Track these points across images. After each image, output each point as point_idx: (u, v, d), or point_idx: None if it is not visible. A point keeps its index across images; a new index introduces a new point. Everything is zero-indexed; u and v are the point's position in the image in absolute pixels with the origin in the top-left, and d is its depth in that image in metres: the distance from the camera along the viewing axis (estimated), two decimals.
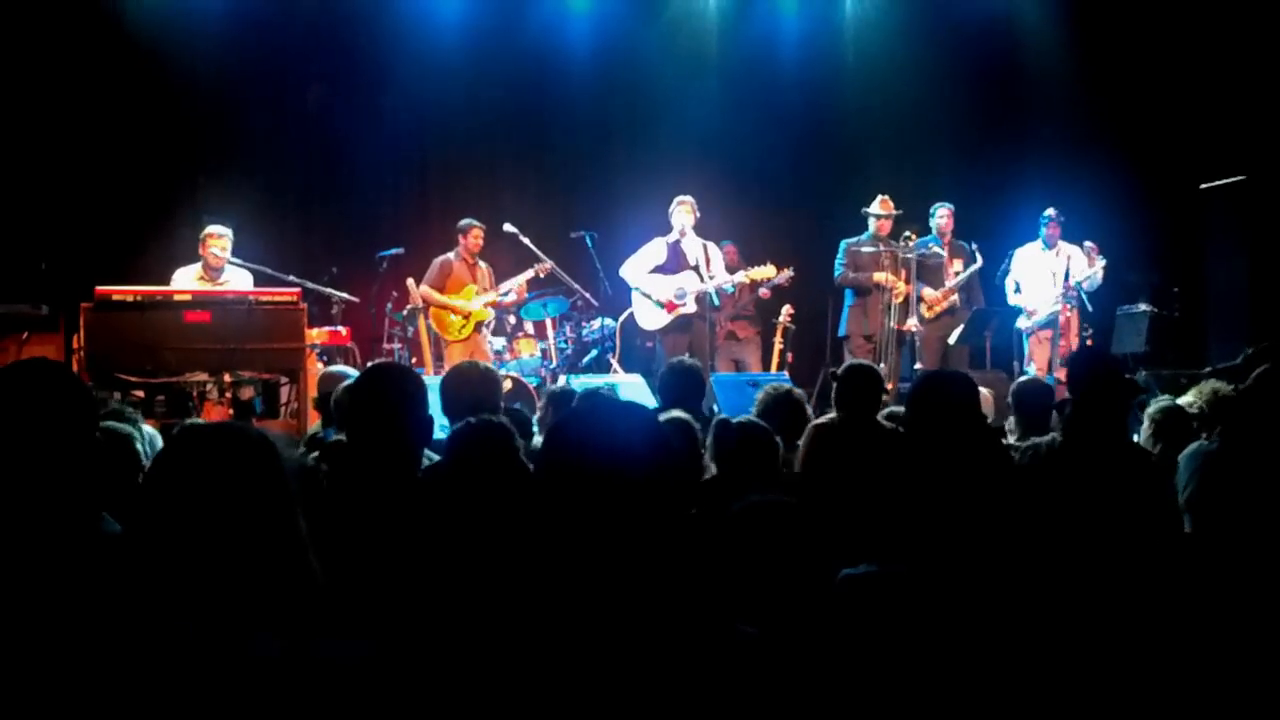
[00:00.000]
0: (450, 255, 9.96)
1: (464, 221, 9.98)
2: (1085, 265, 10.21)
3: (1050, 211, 10.34)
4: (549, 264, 9.88)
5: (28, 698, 1.91)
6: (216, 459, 1.95)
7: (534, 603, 1.84)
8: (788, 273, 10.08)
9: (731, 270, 9.94)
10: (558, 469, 1.85)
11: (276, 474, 1.98)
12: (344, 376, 6.03)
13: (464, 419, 3.57)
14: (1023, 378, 6.96)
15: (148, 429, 4.74)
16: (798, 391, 5.39)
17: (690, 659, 1.77)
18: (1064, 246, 10.34)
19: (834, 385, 5.54)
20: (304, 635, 1.90)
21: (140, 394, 7.39)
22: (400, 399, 3.19)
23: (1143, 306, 10.92)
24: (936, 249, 10.15)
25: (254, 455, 1.98)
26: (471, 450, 3.43)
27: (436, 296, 9.78)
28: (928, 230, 10.34)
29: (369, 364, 5.82)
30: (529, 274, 9.93)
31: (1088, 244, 10.27)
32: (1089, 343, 10.01)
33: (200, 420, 6.91)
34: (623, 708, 1.76)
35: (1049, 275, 10.30)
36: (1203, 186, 11.28)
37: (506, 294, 9.92)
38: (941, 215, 10.31)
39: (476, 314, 9.82)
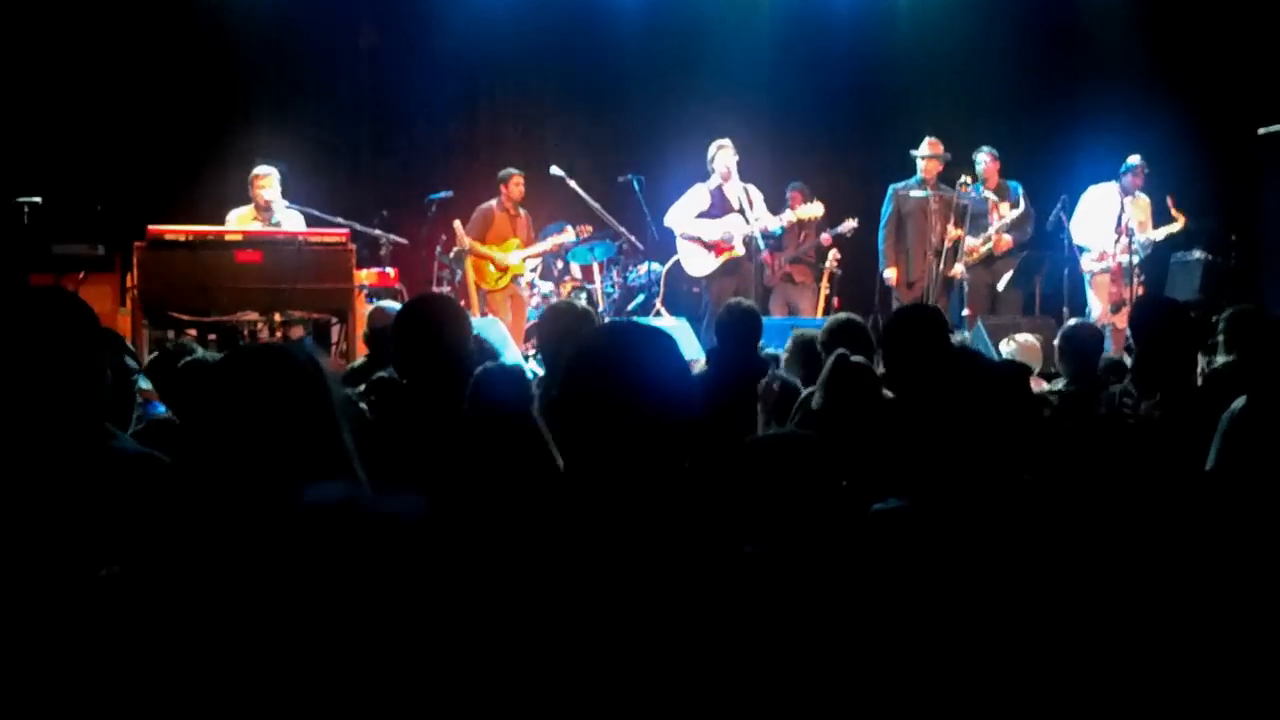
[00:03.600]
0: (493, 204, 10.00)
1: (504, 171, 10.01)
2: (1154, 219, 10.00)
3: (1135, 159, 10.07)
4: (588, 227, 9.92)
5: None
6: (263, 376, 2.04)
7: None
8: (851, 223, 10.08)
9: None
10: (582, 390, 1.90)
11: (321, 391, 2.04)
12: (393, 312, 6.09)
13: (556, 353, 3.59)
14: (1072, 321, 6.85)
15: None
16: (857, 319, 5.20)
17: (705, 578, 1.82)
18: (1141, 197, 10.14)
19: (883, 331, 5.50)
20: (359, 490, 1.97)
21: (193, 332, 7.51)
22: (443, 327, 3.22)
23: (1197, 254, 10.73)
24: (987, 192, 10.04)
25: (299, 373, 2.05)
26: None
27: (477, 246, 9.86)
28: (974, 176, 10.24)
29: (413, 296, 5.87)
30: (566, 238, 9.95)
31: (1169, 199, 10.06)
32: (1140, 289, 9.88)
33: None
34: (640, 633, 1.81)
35: (1122, 223, 10.09)
36: (1260, 131, 11.06)
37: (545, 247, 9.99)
38: (983, 159, 10.16)
39: (514, 268, 9.88)
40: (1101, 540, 2.72)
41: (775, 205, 10.01)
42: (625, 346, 1.94)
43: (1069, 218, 10.17)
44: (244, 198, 8.97)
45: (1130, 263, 9.91)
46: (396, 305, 6.88)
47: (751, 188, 9.73)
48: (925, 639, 2.46)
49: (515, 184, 9.94)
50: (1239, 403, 3.69)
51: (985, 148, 10.19)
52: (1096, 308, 10.00)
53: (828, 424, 3.82)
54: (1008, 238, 9.98)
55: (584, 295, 9.63)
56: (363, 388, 4.39)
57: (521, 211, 10.04)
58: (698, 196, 9.68)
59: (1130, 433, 4.19)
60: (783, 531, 2.59)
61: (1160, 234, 10.02)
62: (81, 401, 2.30)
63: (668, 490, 1.89)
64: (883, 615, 2.46)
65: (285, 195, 8.93)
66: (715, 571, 1.85)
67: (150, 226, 7.57)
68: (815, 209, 9.85)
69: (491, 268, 9.86)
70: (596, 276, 10.35)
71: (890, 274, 9.94)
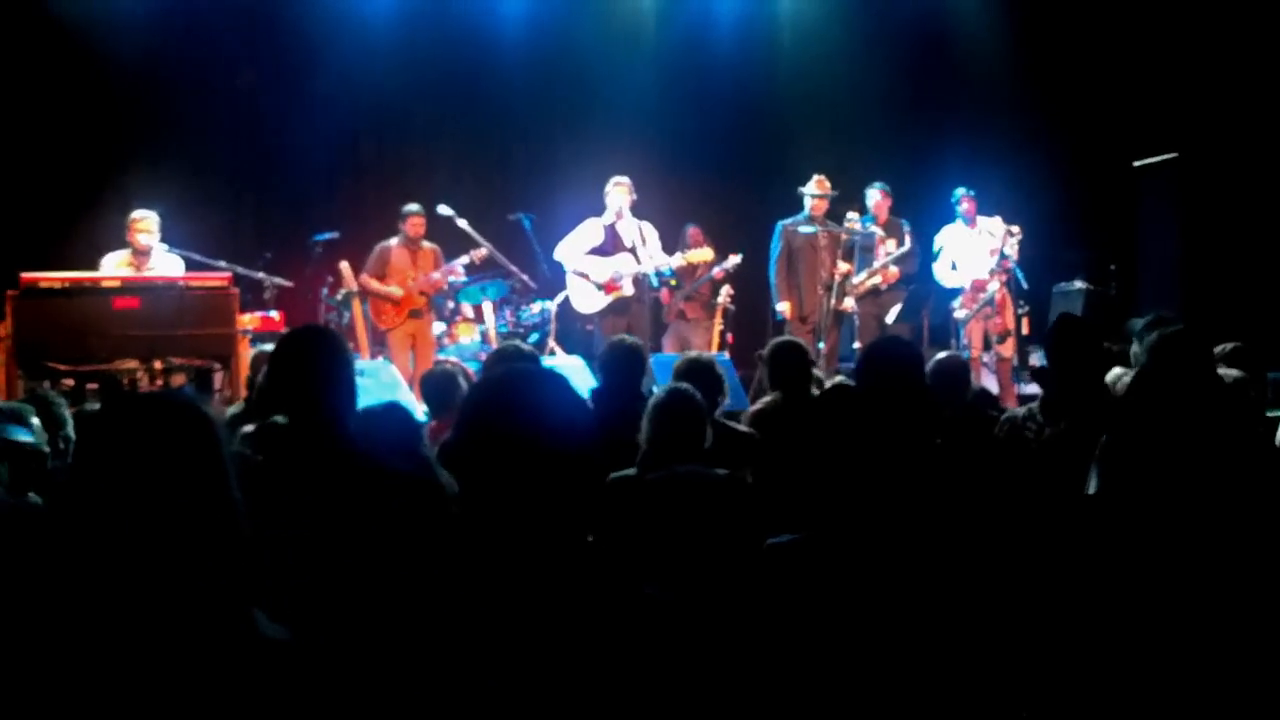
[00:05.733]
0: (392, 241, 9.84)
1: (404, 208, 9.85)
2: (1002, 239, 10.19)
3: (960, 190, 10.33)
4: (485, 249, 9.82)
5: None
6: (149, 429, 1.93)
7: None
8: (736, 258, 10.09)
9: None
10: (479, 431, 1.85)
11: (211, 443, 1.94)
12: None
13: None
14: (941, 354, 6.87)
15: None
16: (706, 356, 5.35)
17: (599, 618, 1.78)
18: (984, 222, 10.33)
19: (765, 367, 5.53)
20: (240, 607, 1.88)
21: (70, 382, 7.30)
22: (321, 363, 3.10)
23: (1078, 284, 11.02)
24: (874, 228, 10.18)
25: (187, 425, 1.95)
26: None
27: (373, 285, 9.70)
28: (865, 210, 10.36)
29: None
30: (464, 260, 9.87)
31: (996, 217, 10.29)
32: (1025, 320, 10.06)
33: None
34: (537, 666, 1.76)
35: (984, 253, 10.29)
36: (1135, 164, 11.40)
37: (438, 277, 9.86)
38: (874, 195, 10.31)
39: (413, 303, 9.73)
40: (995, 563, 2.71)
41: (669, 243, 10.02)
42: (516, 392, 1.91)
43: None
44: (121, 242, 8.74)
45: (994, 292, 10.09)
46: None
47: (647, 225, 9.72)
48: (824, 671, 2.43)
49: (412, 224, 9.77)
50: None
51: (878, 184, 10.33)
52: (972, 342, 10.08)
53: (655, 462, 3.80)
54: (894, 269, 10.12)
55: (536, 336, 9.72)
56: (250, 428, 4.26)
57: (426, 245, 9.87)
58: (590, 231, 9.65)
59: (1029, 456, 4.21)
60: (681, 569, 2.54)
61: (1012, 242, 10.15)
62: None
63: (565, 532, 1.84)
64: (782, 649, 2.43)
65: (164, 239, 8.72)
66: (615, 612, 1.81)
67: (23, 274, 7.36)
68: (705, 253, 9.92)
69: (388, 305, 9.72)
70: (489, 316, 10.25)
71: (784, 308, 9.99)
